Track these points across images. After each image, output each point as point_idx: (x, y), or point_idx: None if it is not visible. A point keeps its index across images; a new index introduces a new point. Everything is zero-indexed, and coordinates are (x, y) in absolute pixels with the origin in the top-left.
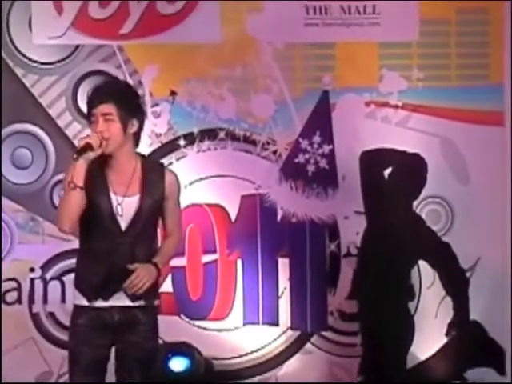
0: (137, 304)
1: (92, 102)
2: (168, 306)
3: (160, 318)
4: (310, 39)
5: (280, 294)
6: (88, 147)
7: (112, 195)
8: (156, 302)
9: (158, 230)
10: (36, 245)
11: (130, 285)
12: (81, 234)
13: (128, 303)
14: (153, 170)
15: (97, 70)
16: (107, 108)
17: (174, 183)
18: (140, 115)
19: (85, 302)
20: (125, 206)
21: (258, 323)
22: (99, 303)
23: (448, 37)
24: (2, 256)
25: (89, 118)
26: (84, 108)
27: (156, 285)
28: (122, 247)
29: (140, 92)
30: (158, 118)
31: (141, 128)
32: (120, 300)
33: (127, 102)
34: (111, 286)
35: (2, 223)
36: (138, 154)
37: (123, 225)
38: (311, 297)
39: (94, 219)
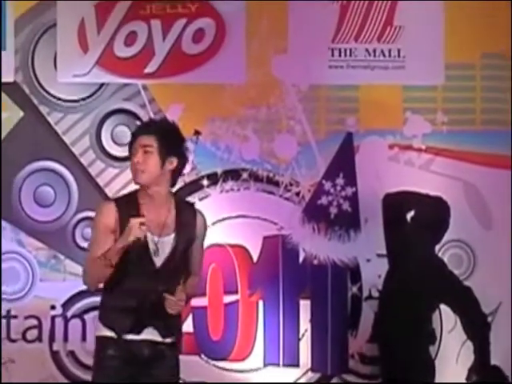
0: (166, 340)
1: (135, 134)
2: (188, 345)
3: (180, 357)
4: (334, 81)
5: (301, 335)
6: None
7: (148, 235)
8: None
9: None
10: (57, 282)
11: (171, 303)
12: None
13: (158, 338)
14: (186, 210)
15: (121, 109)
16: (148, 140)
17: (203, 224)
18: (181, 156)
19: (113, 335)
20: (160, 245)
21: (278, 364)
22: (131, 336)
23: (473, 81)
24: (24, 293)
25: (130, 150)
26: (108, 147)
27: (181, 324)
28: (155, 285)
29: None
30: None
31: (180, 169)
32: (151, 334)
33: (169, 138)
34: (143, 322)
35: (24, 260)
36: (172, 193)
37: (158, 263)
38: (332, 339)
39: (129, 258)
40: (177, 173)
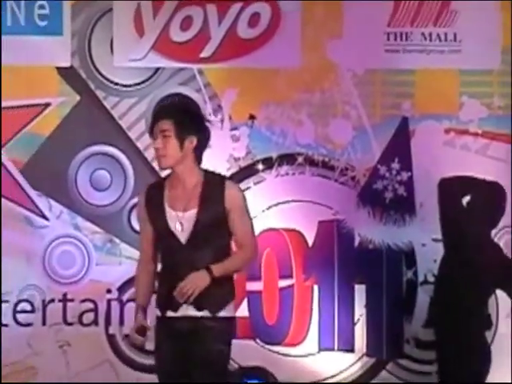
0: (205, 314)
1: (153, 119)
2: (243, 329)
3: (235, 341)
4: (389, 65)
5: (356, 320)
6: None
7: (171, 211)
8: (223, 313)
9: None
10: (113, 266)
11: (178, 293)
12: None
13: (196, 313)
14: (213, 184)
15: (176, 93)
16: (165, 124)
17: (234, 196)
18: (200, 133)
19: (159, 313)
20: (184, 220)
21: (333, 349)
22: (169, 314)
23: None
24: (80, 277)
25: (151, 135)
26: None
27: (224, 294)
28: (182, 260)
29: (219, 116)
30: (237, 142)
31: (202, 144)
32: (187, 310)
33: (185, 119)
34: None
35: (80, 244)
36: (202, 169)
37: (183, 239)
38: (387, 324)
39: (159, 236)
40: (200, 149)
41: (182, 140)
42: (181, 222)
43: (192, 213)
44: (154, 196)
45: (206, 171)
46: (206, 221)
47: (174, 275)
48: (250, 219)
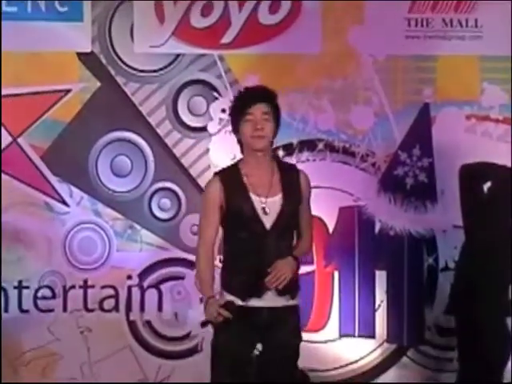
0: (287, 302)
1: (249, 101)
2: None
3: None
4: (411, 52)
5: (377, 306)
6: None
7: (255, 197)
8: (296, 301)
9: None
10: (134, 252)
11: (271, 279)
12: (226, 240)
13: (280, 303)
14: (289, 170)
15: (197, 79)
16: (266, 107)
17: (307, 184)
18: (279, 122)
19: (239, 302)
20: (269, 206)
21: (354, 335)
22: (252, 302)
23: None
24: (100, 263)
25: (239, 116)
26: (184, 117)
27: (298, 281)
28: (268, 245)
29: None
30: None
31: (276, 134)
32: (270, 298)
33: (277, 106)
34: (262, 284)
35: (101, 230)
36: (273, 156)
37: (268, 224)
38: (408, 310)
39: (240, 222)
40: (275, 137)
41: (277, 125)
42: (265, 207)
43: (276, 199)
44: (233, 182)
45: (277, 157)
46: (288, 207)
47: (260, 261)
48: (311, 209)
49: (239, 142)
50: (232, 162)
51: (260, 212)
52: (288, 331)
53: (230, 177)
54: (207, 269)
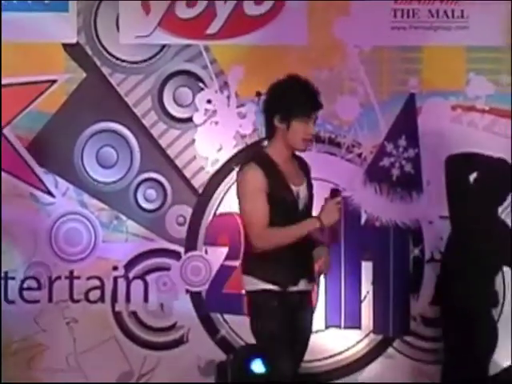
0: (311, 288)
1: (316, 105)
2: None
3: (241, 318)
4: (396, 42)
5: (363, 297)
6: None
7: (292, 186)
8: None
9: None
10: (119, 243)
11: (320, 268)
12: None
13: (307, 287)
14: (299, 159)
15: (183, 70)
16: (317, 113)
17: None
18: None
19: (276, 288)
20: (300, 193)
21: (340, 326)
22: (291, 288)
23: None
24: (86, 254)
25: (299, 111)
26: (170, 108)
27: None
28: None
29: (225, 93)
30: (244, 119)
31: None
32: (303, 284)
33: None
34: (300, 272)
35: (86, 221)
36: None
37: (303, 212)
38: (394, 301)
39: (281, 210)
40: None
41: None
42: (299, 194)
43: (304, 187)
44: (271, 171)
45: None
46: (311, 194)
47: (298, 250)
48: None
49: (272, 126)
50: (253, 149)
51: (298, 201)
52: (311, 315)
53: (266, 165)
54: (280, 230)
